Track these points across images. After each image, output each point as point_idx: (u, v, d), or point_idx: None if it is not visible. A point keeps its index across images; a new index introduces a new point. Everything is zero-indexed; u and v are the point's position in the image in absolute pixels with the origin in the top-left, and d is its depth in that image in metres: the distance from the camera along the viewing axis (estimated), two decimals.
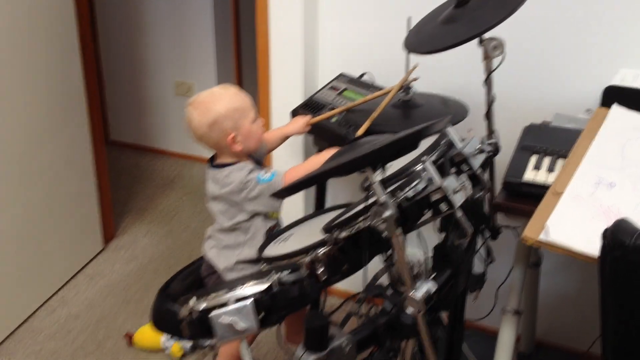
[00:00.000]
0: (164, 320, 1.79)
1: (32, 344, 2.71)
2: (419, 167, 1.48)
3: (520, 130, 1.95)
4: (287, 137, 2.17)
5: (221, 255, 1.92)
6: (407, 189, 1.43)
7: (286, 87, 2.56)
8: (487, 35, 1.77)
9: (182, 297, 1.45)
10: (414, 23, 2.04)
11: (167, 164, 4.20)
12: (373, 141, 1.40)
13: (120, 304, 2.96)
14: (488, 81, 1.82)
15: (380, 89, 2.34)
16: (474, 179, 1.62)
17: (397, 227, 1.31)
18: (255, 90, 2.67)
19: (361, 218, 1.40)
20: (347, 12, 2.50)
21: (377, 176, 1.33)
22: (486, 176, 1.75)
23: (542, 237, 1.46)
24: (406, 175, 1.49)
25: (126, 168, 4.17)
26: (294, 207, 2.65)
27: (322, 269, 1.55)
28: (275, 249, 1.82)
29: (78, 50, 2.93)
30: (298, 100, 2.46)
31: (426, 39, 1.86)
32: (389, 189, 1.42)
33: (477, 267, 1.83)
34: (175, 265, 3.14)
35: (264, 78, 2.59)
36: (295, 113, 2.34)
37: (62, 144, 2.94)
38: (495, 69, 1.84)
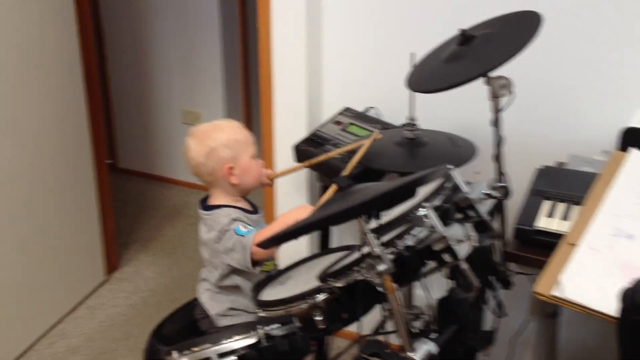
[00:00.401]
0: None
1: None
2: (420, 213, 1.39)
3: (532, 172, 1.85)
4: None
5: (214, 299, 1.84)
6: (407, 237, 1.34)
7: (290, 120, 2.48)
8: (494, 73, 1.68)
9: (165, 349, 1.36)
10: (417, 58, 1.95)
11: (174, 193, 4.13)
12: (365, 190, 1.31)
13: (120, 339, 2.88)
14: (496, 121, 1.73)
15: (386, 124, 2.25)
16: (482, 225, 1.53)
17: (393, 281, 1.22)
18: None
19: (356, 268, 1.31)
20: (351, 45, 2.43)
21: (371, 226, 1.24)
22: (497, 222, 1.66)
23: (555, 293, 1.36)
24: (407, 222, 1.40)
25: (133, 196, 4.10)
26: (297, 245, 2.56)
27: (319, 318, 1.46)
28: (271, 293, 1.73)
29: (81, 79, 2.90)
30: (302, 133, 2.39)
31: (429, 76, 1.77)
32: (387, 238, 1.33)
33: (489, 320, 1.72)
34: (179, 298, 3.06)
35: (267, 110, 2.51)
36: (298, 148, 2.26)
37: (64, 171, 2.88)
38: (503, 108, 1.74)
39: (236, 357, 1.26)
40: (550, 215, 1.65)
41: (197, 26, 3.81)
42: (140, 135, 4.24)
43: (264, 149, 2.58)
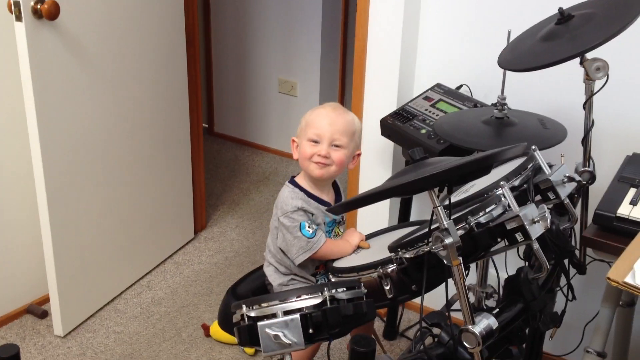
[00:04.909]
0: (229, 320, 1.78)
1: (115, 325, 2.79)
2: (497, 191, 1.39)
3: (621, 159, 1.80)
4: None
5: (276, 273, 1.88)
6: (481, 214, 1.35)
7: (380, 93, 2.49)
8: (589, 55, 1.64)
9: (235, 303, 1.42)
10: (514, 37, 1.93)
11: (265, 160, 4.24)
12: (439, 162, 1.32)
13: (202, 294, 3.00)
14: (588, 104, 1.69)
15: (476, 102, 2.23)
16: (561, 208, 1.52)
17: (459, 256, 1.23)
18: None
19: (425, 241, 1.33)
20: (448, 21, 2.41)
21: (441, 199, 1.25)
22: (579, 206, 1.63)
23: (628, 280, 1.34)
24: (482, 199, 1.41)
25: (225, 161, 4.23)
26: (377, 217, 2.59)
27: (388, 287, 1.49)
28: (343, 261, 1.77)
29: (184, 45, 3.02)
30: (391, 107, 2.40)
31: (522, 55, 1.74)
32: (459, 214, 1.34)
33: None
34: (260, 261, 3.13)
35: (359, 83, 2.53)
36: (384, 122, 2.28)
37: (163, 134, 3.01)
38: (597, 91, 1.70)
39: (299, 315, 1.30)
40: (634, 203, 1.60)
41: None
42: (236, 101, 4.35)
43: None
